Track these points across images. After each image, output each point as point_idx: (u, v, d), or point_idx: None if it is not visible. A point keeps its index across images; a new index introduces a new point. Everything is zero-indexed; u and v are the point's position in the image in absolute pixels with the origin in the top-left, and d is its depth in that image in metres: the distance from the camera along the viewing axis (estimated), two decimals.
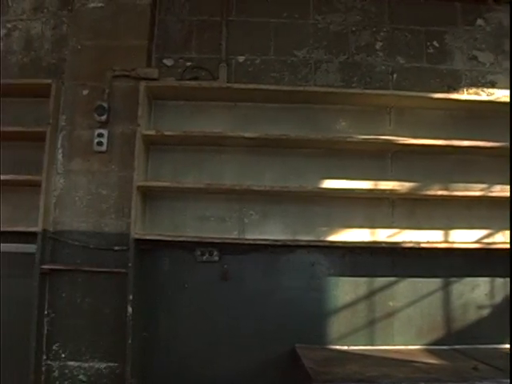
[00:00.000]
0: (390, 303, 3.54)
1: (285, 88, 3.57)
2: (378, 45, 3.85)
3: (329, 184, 3.58)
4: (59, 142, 3.52)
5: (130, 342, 3.21)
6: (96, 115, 3.45)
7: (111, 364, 3.37)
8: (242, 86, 3.53)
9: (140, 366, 3.38)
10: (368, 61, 3.82)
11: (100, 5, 3.72)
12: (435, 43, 3.86)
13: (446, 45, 3.87)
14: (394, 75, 3.81)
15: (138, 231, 3.31)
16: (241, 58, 3.79)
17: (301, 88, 3.57)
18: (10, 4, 3.94)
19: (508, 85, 3.75)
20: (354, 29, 3.87)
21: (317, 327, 3.50)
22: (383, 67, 3.82)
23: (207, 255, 3.50)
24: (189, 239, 3.39)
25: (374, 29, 3.88)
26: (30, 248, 3.44)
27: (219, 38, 3.79)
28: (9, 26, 3.91)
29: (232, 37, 3.81)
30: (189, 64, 3.76)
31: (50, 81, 3.51)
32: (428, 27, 3.88)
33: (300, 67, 3.79)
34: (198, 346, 3.48)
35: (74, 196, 3.48)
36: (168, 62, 3.77)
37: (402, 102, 3.60)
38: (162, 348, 3.48)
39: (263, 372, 3.44)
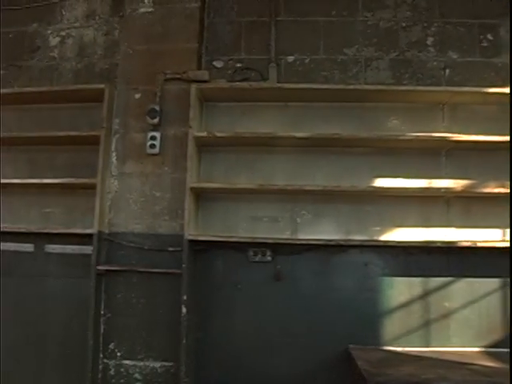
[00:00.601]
0: (446, 304, 3.46)
1: (335, 87, 3.54)
2: (430, 40, 3.77)
3: (381, 183, 3.53)
4: (113, 146, 3.59)
5: (184, 341, 3.25)
6: (148, 118, 3.51)
7: (166, 363, 3.41)
8: (293, 85, 3.51)
9: (194, 366, 3.42)
10: (419, 57, 3.75)
11: (150, 10, 3.76)
12: (489, 36, 3.76)
13: (501, 38, 3.76)
14: (447, 70, 3.73)
15: (191, 232, 3.33)
16: (290, 58, 3.78)
17: (351, 86, 3.54)
18: (63, 13, 4.05)
19: None
20: (404, 25, 3.81)
21: (370, 328, 3.46)
22: (435, 63, 3.74)
23: (260, 255, 3.50)
24: (241, 240, 3.40)
25: (425, 24, 3.80)
26: (87, 249, 3.52)
27: (268, 39, 3.79)
28: (63, 33, 4.03)
29: (281, 37, 3.80)
30: (238, 65, 3.77)
31: (103, 86, 3.59)
32: (481, 20, 3.78)
33: (350, 65, 3.75)
34: (252, 346, 3.48)
35: (128, 198, 3.53)
36: (218, 63, 3.79)
37: (455, 97, 3.52)
38: (215, 348, 3.50)
39: (317, 372, 3.43)
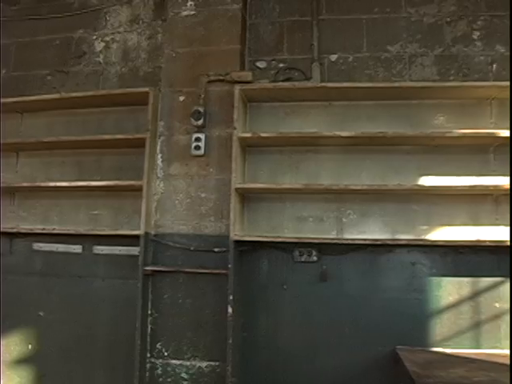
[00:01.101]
0: (497, 304, 3.38)
1: (379, 85, 3.50)
2: (476, 34, 3.70)
3: (428, 181, 3.47)
4: (158, 148, 3.64)
5: (230, 341, 3.26)
6: (193, 120, 3.54)
7: (212, 363, 3.43)
8: (336, 84, 3.49)
9: (240, 366, 3.42)
10: (465, 52, 3.68)
11: (192, 13, 3.80)
12: None
13: None
14: (494, 65, 3.65)
15: (237, 233, 3.35)
16: (333, 57, 3.76)
17: (396, 84, 3.49)
18: (107, 18, 4.14)
19: None
20: (448, 19, 3.75)
21: (418, 329, 3.40)
22: (482, 57, 3.67)
23: (306, 255, 3.49)
24: (287, 240, 3.40)
25: (471, 18, 3.73)
26: (134, 250, 3.58)
27: (311, 38, 3.78)
28: (107, 39, 4.12)
29: (323, 36, 3.79)
30: (281, 65, 3.78)
31: (147, 89, 3.64)
32: None
33: (394, 62, 3.71)
34: (298, 346, 3.48)
35: (174, 200, 3.58)
36: (261, 64, 3.80)
37: (503, 93, 3.43)
38: (261, 348, 3.51)
39: (363, 373, 3.39)
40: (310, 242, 3.40)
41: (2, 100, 3.94)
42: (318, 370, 3.44)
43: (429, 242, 3.40)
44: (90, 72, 4.12)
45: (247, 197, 3.59)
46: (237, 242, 3.36)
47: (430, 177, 3.50)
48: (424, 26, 3.76)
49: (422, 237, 3.45)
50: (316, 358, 3.45)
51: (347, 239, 3.43)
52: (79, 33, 4.22)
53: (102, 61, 4.11)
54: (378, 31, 3.77)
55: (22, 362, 3.95)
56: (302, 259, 3.51)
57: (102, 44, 4.13)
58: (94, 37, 4.17)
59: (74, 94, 3.83)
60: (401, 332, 3.39)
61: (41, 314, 3.91)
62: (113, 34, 4.12)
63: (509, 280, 3.39)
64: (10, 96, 4.01)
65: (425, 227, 3.48)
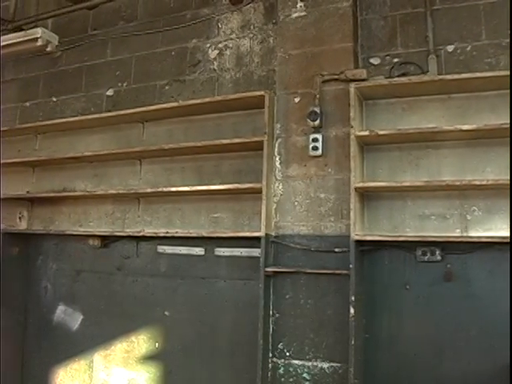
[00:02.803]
0: None
1: (501, 73, 3.34)
2: None
3: None
4: (276, 150, 3.72)
5: (352, 342, 3.25)
6: (309, 121, 3.59)
7: (334, 364, 3.44)
8: (455, 76, 3.38)
9: (363, 367, 3.41)
10: None
11: (303, 14, 3.85)
12: None
13: None
14: None
15: (357, 232, 3.35)
16: (450, 48, 3.66)
17: None
18: (219, 26, 4.31)
19: None
20: None
21: None
22: None
23: (429, 255, 3.43)
24: (409, 239, 3.35)
25: None
26: (254, 252, 3.70)
27: (425, 30, 3.69)
28: (220, 46, 4.29)
29: (438, 26, 3.69)
30: (396, 60, 3.73)
31: (262, 92, 3.74)
32: None
33: None
34: (422, 349, 3.40)
35: (294, 201, 3.64)
36: (375, 60, 3.78)
37: None
38: (384, 350, 3.47)
39: (492, 377, 3.25)
40: (433, 241, 3.33)
41: (125, 111, 4.22)
42: (444, 373, 3.34)
43: None
44: (205, 79, 4.30)
45: (367, 196, 3.58)
46: (357, 241, 3.35)
47: None
48: None
49: None
50: (441, 362, 3.35)
51: (472, 237, 3.32)
52: (193, 42, 4.42)
53: (216, 68, 4.28)
54: (498, 16, 3.60)
55: (150, 358, 4.20)
56: (425, 258, 3.44)
57: (216, 51, 4.30)
58: (208, 45, 4.35)
59: (191, 102, 4.03)
60: None
61: (166, 313, 4.14)
62: (225, 40, 4.28)
63: None
64: (132, 107, 4.30)
65: None
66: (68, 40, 5.01)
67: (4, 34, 4.20)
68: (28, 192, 4.90)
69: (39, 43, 3.93)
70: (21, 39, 4.02)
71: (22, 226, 4.98)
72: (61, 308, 4.70)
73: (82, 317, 4.57)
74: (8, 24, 4.69)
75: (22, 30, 4.40)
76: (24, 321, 4.84)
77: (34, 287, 4.89)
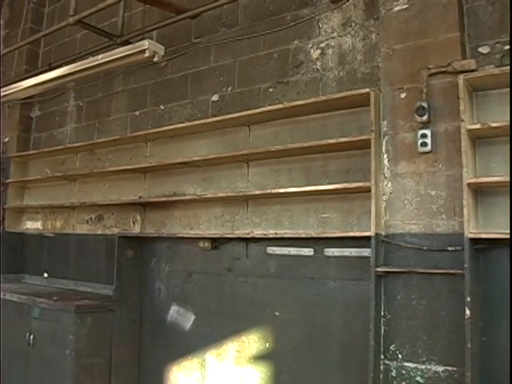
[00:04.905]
0: None
1: None
2: None
3: None
4: (383, 148, 3.73)
5: (468, 345, 3.17)
6: (417, 116, 3.56)
7: (449, 368, 3.37)
8: None
9: (480, 372, 3.32)
10: None
11: (405, 6, 3.82)
12: None
13: None
14: None
15: (472, 230, 3.28)
16: None
17: None
18: (320, 26, 4.39)
19: None
20: None
21: None
22: None
23: None
24: None
25: None
26: (364, 252, 3.74)
27: None
28: (322, 45, 4.37)
29: None
30: (507, 48, 3.60)
31: (367, 90, 3.77)
32: None
33: None
34: None
35: (403, 199, 3.63)
36: (483, 49, 3.68)
37: None
38: (503, 354, 3.33)
39: None
40: None
41: (230, 116, 4.44)
42: None
43: None
44: (308, 80, 4.39)
45: (480, 191, 3.49)
46: (472, 239, 3.28)
47: None
48: None
49: None
50: None
51: None
52: (295, 43, 4.53)
53: (319, 67, 4.35)
54: None
55: (260, 358, 4.36)
56: None
57: (318, 51, 4.37)
58: (310, 45, 4.44)
59: (296, 103, 4.14)
60: None
61: (276, 314, 4.27)
62: (327, 40, 4.34)
63: None
64: (237, 111, 4.50)
65: None
66: (172, 49, 5.32)
67: (113, 49, 4.50)
68: (140, 197, 5.27)
69: (146, 54, 4.16)
70: (129, 52, 4.28)
71: (136, 229, 5.34)
72: (174, 308, 4.99)
73: (194, 317, 4.82)
74: (117, 39, 5.06)
75: (129, 43, 4.70)
76: (140, 320, 5.17)
77: (148, 288, 5.23)
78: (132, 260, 5.16)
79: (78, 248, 5.99)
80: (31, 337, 4.82)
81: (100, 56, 4.47)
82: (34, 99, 6.93)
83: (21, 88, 5.20)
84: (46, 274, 6.26)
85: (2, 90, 5.26)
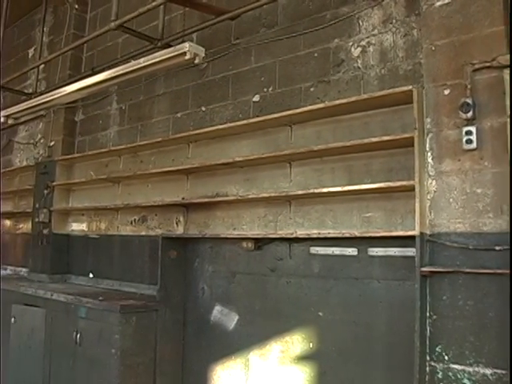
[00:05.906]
0: None
1: None
2: None
3: None
4: (427, 145, 3.69)
5: None
6: (461, 113, 3.52)
7: (498, 371, 3.30)
8: None
9: None
10: None
11: (447, 1, 3.77)
12: None
13: None
14: None
15: None
16: None
17: None
18: (360, 23, 4.39)
19: None
20: None
21: None
22: None
23: None
24: None
25: None
26: (408, 251, 3.73)
27: None
28: (363, 43, 4.36)
29: None
30: None
31: (410, 87, 3.75)
32: None
33: None
34: None
35: (448, 197, 3.59)
36: None
37: None
38: None
39: None
40: None
41: (272, 116, 4.48)
42: None
43: None
44: (350, 78, 4.40)
45: None
46: None
47: None
48: None
49: None
50: None
51: None
52: (335, 42, 4.54)
53: (360, 66, 4.35)
54: None
55: (304, 358, 4.39)
56: None
57: (359, 49, 4.37)
58: (350, 43, 4.44)
59: (337, 102, 4.15)
60: None
61: (320, 314, 4.30)
62: (368, 37, 4.33)
63: None
64: (278, 111, 4.55)
65: None
66: (213, 51, 5.40)
67: (154, 52, 4.60)
68: (183, 198, 5.36)
69: (187, 56, 4.24)
70: (170, 55, 4.36)
71: (179, 230, 5.44)
72: (217, 308, 5.06)
73: (237, 317, 4.88)
74: (158, 42, 5.16)
75: (170, 46, 4.79)
76: (183, 320, 5.27)
77: (192, 288, 5.32)
78: (175, 260, 5.26)
79: (122, 249, 6.15)
80: (78, 336, 4.99)
81: (141, 59, 4.58)
82: (78, 103, 7.15)
83: (65, 93, 5.37)
84: (91, 275, 6.45)
85: (49, 94, 5.45)
